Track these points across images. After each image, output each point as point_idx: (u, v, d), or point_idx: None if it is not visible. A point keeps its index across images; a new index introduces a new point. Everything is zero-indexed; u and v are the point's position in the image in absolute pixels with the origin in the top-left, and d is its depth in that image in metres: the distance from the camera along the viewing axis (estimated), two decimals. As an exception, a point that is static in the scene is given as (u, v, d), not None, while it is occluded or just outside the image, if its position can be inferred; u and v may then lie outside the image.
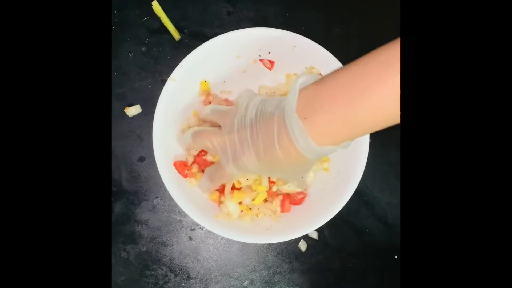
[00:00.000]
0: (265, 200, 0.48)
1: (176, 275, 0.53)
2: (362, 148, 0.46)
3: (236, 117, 0.39)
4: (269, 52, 0.49)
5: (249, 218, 0.47)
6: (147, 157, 0.53)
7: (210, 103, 0.49)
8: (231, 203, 0.46)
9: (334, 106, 0.32)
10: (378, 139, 0.52)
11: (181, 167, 0.47)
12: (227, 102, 0.50)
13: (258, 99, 0.39)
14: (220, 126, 0.42)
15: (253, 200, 0.47)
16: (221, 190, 0.48)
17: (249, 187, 0.47)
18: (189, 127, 0.48)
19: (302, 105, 0.34)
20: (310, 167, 0.42)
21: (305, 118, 0.33)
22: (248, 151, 0.37)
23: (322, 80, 0.35)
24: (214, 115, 0.43)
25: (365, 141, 0.46)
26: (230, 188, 0.47)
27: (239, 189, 0.47)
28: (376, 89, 0.30)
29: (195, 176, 0.48)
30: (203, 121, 0.48)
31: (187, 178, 0.48)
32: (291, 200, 0.49)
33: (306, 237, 0.53)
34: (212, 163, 0.47)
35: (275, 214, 0.48)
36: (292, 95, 0.35)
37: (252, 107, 0.38)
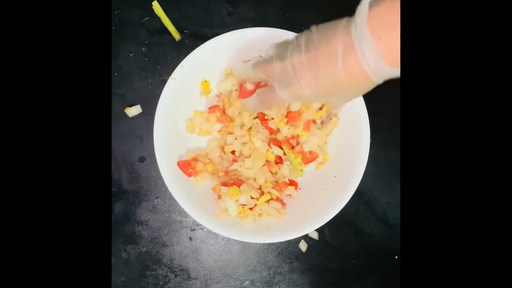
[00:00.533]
0: (269, 200, 0.48)
1: (176, 276, 0.53)
2: (362, 148, 0.46)
3: (289, 46, 0.37)
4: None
5: (252, 218, 0.47)
6: (148, 157, 0.53)
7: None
8: (227, 199, 0.46)
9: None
10: (378, 139, 0.52)
11: (185, 166, 0.47)
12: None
13: (306, 32, 0.36)
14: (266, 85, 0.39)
15: (257, 199, 0.47)
16: (222, 183, 0.48)
17: (249, 185, 0.47)
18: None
19: (375, 24, 0.31)
20: (368, 90, 0.38)
21: (379, 38, 0.31)
22: (303, 78, 0.35)
23: None
24: (257, 70, 0.40)
25: (366, 141, 0.46)
26: (231, 183, 0.48)
27: (238, 184, 0.47)
28: None
29: (200, 174, 0.48)
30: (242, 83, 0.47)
31: (192, 177, 0.48)
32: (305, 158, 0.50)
33: (306, 237, 0.53)
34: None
35: (279, 212, 0.48)
36: (362, 13, 0.32)
37: (302, 35, 0.36)
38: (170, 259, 0.53)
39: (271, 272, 0.53)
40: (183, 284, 0.53)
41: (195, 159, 0.48)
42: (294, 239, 0.50)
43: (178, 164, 0.47)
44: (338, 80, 0.34)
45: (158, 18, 0.54)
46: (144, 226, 0.53)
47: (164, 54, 0.54)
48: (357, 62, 0.32)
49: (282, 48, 0.38)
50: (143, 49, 0.54)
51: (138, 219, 0.53)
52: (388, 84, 0.34)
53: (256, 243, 0.53)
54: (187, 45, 0.54)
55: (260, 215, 0.48)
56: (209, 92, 0.50)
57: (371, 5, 0.32)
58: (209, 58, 0.47)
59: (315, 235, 0.53)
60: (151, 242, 0.53)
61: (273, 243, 0.53)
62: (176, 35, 0.54)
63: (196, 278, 0.53)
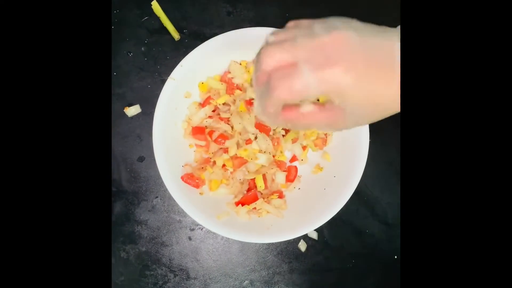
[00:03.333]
0: (267, 197, 0.48)
1: (175, 275, 0.53)
2: (362, 148, 0.46)
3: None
4: None
5: (245, 211, 0.47)
6: (147, 157, 0.53)
7: None
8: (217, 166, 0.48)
9: None
10: (378, 138, 0.52)
11: (191, 178, 0.47)
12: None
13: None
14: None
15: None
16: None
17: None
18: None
19: None
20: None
21: None
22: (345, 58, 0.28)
23: None
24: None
25: (365, 141, 0.46)
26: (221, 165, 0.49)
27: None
28: None
29: (209, 182, 0.48)
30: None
31: (201, 187, 0.48)
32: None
33: (305, 237, 0.53)
34: None
35: (280, 208, 0.48)
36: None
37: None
38: (169, 259, 0.53)
39: (270, 272, 0.53)
40: (182, 284, 0.53)
41: (201, 168, 0.48)
42: (294, 239, 0.50)
43: (182, 178, 0.47)
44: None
45: (158, 18, 0.54)
46: (143, 226, 0.53)
47: (164, 53, 0.54)
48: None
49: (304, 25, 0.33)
50: (143, 48, 0.54)
51: (137, 219, 0.53)
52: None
53: (256, 243, 0.53)
54: (186, 45, 0.54)
55: (259, 214, 0.48)
56: (207, 92, 0.50)
57: None
58: (208, 57, 0.47)
59: (314, 235, 0.53)
60: (150, 241, 0.53)
61: (272, 243, 0.53)
62: (176, 35, 0.54)
63: (195, 278, 0.53)
